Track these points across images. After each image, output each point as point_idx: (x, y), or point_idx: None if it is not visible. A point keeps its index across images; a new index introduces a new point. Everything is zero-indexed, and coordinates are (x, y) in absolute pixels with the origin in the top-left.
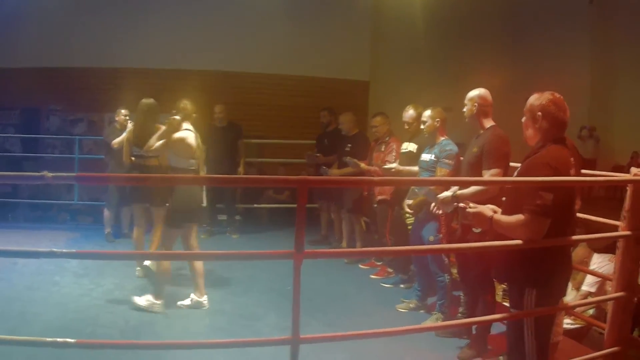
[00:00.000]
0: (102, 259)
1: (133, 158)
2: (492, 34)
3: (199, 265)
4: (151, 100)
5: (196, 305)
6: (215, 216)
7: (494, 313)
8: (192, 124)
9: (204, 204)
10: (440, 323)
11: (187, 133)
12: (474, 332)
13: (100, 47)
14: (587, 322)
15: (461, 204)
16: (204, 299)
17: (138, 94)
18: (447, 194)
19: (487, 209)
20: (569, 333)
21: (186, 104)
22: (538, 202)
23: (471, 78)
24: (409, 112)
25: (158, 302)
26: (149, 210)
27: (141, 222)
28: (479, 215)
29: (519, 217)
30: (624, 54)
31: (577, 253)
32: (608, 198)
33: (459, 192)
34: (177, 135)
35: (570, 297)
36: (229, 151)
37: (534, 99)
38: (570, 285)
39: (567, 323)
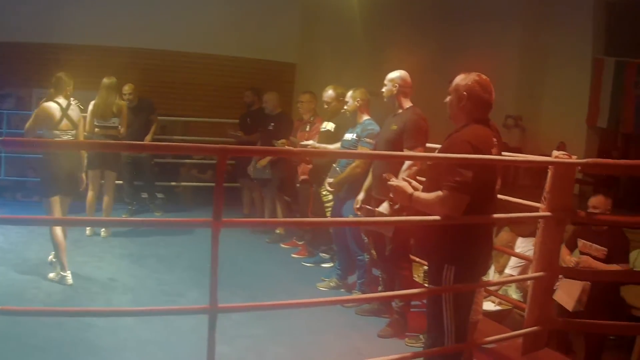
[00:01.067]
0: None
1: (97, 129)
2: (419, 16)
3: (59, 238)
4: (112, 79)
5: (61, 281)
6: (137, 194)
7: (411, 287)
8: (69, 97)
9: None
10: (356, 296)
11: (49, 104)
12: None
13: (28, 22)
14: (511, 304)
15: (384, 175)
16: (68, 274)
17: (68, 71)
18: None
19: (408, 186)
20: (490, 315)
21: (60, 76)
22: (457, 178)
23: (398, 61)
24: (329, 92)
25: (66, 274)
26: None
27: (94, 187)
28: (399, 191)
29: (437, 193)
30: (554, 44)
31: (502, 237)
32: (534, 186)
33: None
34: (40, 106)
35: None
36: (144, 129)
37: (460, 79)
38: (493, 268)
39: (491, 306)
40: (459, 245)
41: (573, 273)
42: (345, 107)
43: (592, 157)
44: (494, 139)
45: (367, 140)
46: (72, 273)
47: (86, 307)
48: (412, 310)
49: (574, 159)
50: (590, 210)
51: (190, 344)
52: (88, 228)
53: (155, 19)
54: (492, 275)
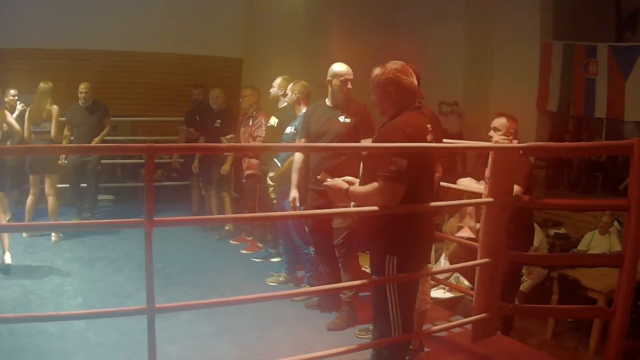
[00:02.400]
0: None
1: (33, 135)
2: (364, 6)
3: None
4: (48, 84)
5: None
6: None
7: (357, 278)
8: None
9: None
10: (303, 290)
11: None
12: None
13: None
14: (460, 291)
15: (318, 176)
16: (7, 255)
17: (15, 75)
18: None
19: (342, 182)
20: (442, 303)
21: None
22: (392, 168)
23: (345, 51)
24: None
25: (4, 254)
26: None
27: (35, 192)
28: (334, 189)
29: (373, 185)
30: (502, 30)
31: (451, 224)
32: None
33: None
34: None
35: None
36: (95, 131)
37: (379, 74)
38: (444, 255)
39: (442, 294)
40: (399, 235)
41: (519, 258)
42: (285, 100)
43: (544, 140)
44: (428, 126)
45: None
46: (23, 279)
47: (33, 313)
48: (363, 301)
49: (514, 144)
50: (491, 133)
51: (139, 346)
52: (54, 234)
53: (98, 20)
54: (442, 262)
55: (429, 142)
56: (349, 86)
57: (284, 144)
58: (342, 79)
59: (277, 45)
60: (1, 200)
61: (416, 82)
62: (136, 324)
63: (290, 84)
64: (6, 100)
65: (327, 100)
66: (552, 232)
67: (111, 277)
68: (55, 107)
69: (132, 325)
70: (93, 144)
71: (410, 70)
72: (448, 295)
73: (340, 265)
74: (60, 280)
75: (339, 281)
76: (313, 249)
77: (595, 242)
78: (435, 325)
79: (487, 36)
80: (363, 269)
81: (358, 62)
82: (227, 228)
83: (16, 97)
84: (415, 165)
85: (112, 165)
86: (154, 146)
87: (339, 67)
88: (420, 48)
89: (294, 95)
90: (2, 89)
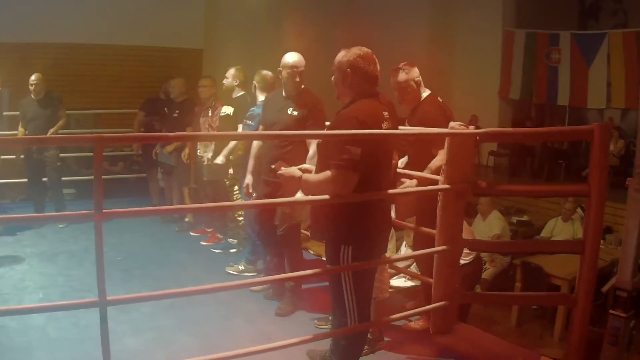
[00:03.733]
0: None
1: None
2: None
3: None
4: None
5: None
6: (44, 193)
7: (300, 268)
8: None
9: None
10: (255, 280)
11: None
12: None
13: None
14: (419, 279)
15: (273, 166)
16: None
17: None
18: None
19: (296, 170)
20: (403, 292)
21: None
22: (344, 156)
23: (306, 43)
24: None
25: None
26: None
27: None
28: (288, 177)
29: (326, 173)
30: (464, 18)
31: None
32: None
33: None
34: None
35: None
36: (49, 125)
37: (342, 56)
38: (405, 243)
39: (403, 283)
40: (354, 224)
41: (478, 245)
42: (223, 84)
43: (506, 128)
44: (385, 113)
45: (247, 121)
46: None
47: None
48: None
49: (470, 129)
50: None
51: (93, 339)
52: None
53: (57, 12)
54: (403, 250)
55: (385, 130)
56: (297, 79)
57: (236, 132)
58: (289, 70)
59: (238, 36)
60: None
61: (377, 71)
62: (96, 318)
63: (232, 70)
64: None
65: (282, 90)
66: (514, 219)
67: (72, 272)
68: None
69: (93, 319)
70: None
71: (374, 59)
72: (409, 283)
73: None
74: (21, 276)
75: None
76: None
77: (558, 229)
78: (396, 314)
79: (449, 25)
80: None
81: (319, 52)
82: (187, 220)
83: None
84: (370, 153)
85: (68, 159)
86: (102, 136)
87: (289, 58)
88: (381, 36)
89: (234, 82)
90: None
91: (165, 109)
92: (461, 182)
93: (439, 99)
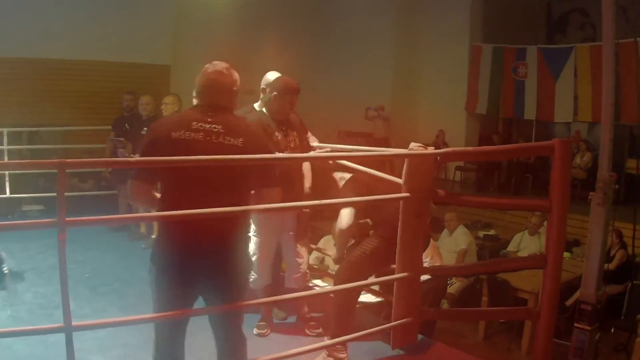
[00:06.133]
0: None
1: None
2: (292, 13)
3: None
4: None
5: None
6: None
7: None
8: None
9: None
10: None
11: None
12: None
13: None
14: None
15: None
16: None
17: None
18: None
19: None
20: (370, 307)
21: None
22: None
23: (273, 59)
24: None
25: None
26: None
27: None
28: None
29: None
30: (430, 33)
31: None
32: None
33: None
34: None
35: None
36: None
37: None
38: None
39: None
40: (157, 239)
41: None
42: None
43: (473, 143)
44: (195, 122)
45: None
46: None
47: None
48: None
49: (429, 150)
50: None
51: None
52: None
53: (25, 27)
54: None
55: (176, 139)
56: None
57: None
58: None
59: (206, 52)
60: None
61: (206, 82)
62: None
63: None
64: None
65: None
66: (481, 233)
67: (40, 289)
68: None
69: (60, 336)
70: None
71: (203, 71)
72: (377, 299)
73: None
74: None
75: None
76: None
77: (525, 243)
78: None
79: (415, 39)
80: None
81: (286, 68)
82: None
83: None
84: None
85: (35, 175)
86: (65, 162)
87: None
88: (347, 51)
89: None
90: None
91: (126, 124)
92: (421, 192)
93: None
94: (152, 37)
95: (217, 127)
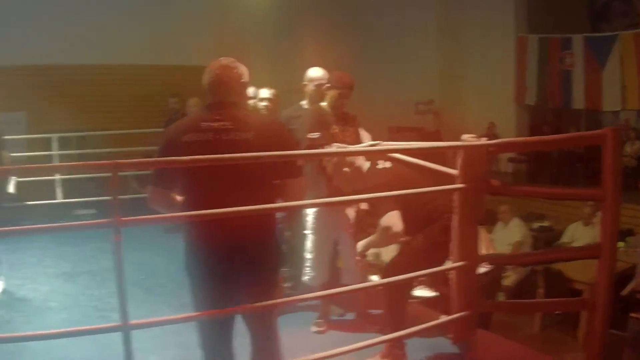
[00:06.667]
0: None
1: None
2: (341, 11)
3: None
4: None
5: None
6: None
7: None
8: None
9: None
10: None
11: None
12: None
13: None
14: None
15: None
16: None
17: None
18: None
19: None
20: (427, 302)
21: None
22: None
23: (317, 55)
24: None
25: None
26: None
27: None
28: None
29: None
30: (475, 25)
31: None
32: None
33: None
34: None
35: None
36: None
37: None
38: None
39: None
40: (186, 247)
41: (495, 259)
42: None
43: (524, 134)
44: (204, 123)
45: None
46: (7, 296)
47: (16, 333)
48: None
49: (483, 141)
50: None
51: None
52: None
53: (70, 34)
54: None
55: (191, 141)
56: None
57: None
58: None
59: (248, 52)
60: None
61: (210, 81)
62: (119, 337)
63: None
64: None
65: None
66: (535, 225)
67: (94, 291)
68: None
69: (117, 338)
70: None
71: (210, 67)
72: (433, 293)
73: None
74: (45, 297)
75: None
76: None
77: (579, 234)
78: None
79: (460, 33)
80: None
81: (332, 66)
82: None
83: None
84: (167, 167)
85: (86, 180)
86: (118, 163)
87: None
88: (394, 47)
89: None
90: None
91: None
92: (477, 181)
93: None
94: (194, 39)
95: (225, 124)
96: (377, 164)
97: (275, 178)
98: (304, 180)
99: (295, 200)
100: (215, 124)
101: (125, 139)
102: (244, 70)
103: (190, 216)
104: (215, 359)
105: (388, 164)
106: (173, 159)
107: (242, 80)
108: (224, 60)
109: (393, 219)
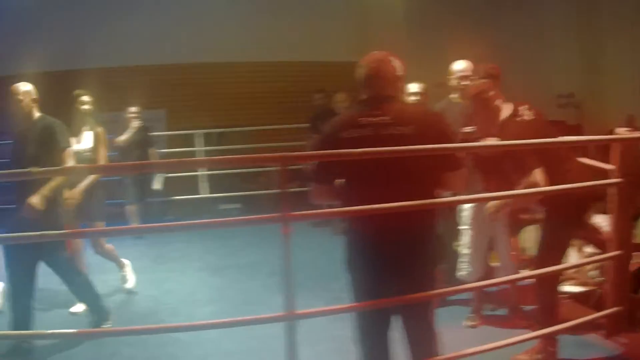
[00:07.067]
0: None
1: None
2: (479, 6)
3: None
4: None
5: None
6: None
7: None
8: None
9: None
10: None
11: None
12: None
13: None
14: (590, 285)
15: None
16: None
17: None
18: None
19: None
20: (575, 297)
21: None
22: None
23: (459, 53)
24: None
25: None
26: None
27: None
28: None
29: None
30: (613, 15)
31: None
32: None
33: None
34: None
35: (573, 258)
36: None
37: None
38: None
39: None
40: (346, 241)
41: None
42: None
43: None
44: (362, 118)
45: None
46: (153, 290)
47: (167, 324)
48: None
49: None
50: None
51: (274, 352)
52: None
53: (210, 34)
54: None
55: (346, 138)
56: (464, 82)
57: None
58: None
59: (391, 47)
60: (136, 212)
61: (366, 73)
62: (270, 330)
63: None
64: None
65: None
66: None
67: (242, 285)
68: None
69: (266, 330)
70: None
71: (365, 61)
72: (583, 288)
73: None
74: (191, 290)
75: None
76: None
77: None
78: (569, 320)
79: (600, 25)
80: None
81: (475, 60)
82: None
83: (134, 115)
84: (327, 165)
85: (229, 175)
86: (286, 156)
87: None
88: (534, 41)
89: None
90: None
91: (319, 122)
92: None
93: None
94: (335, 35)
95: (385, 118)
96: (518, 114)
97: (435, 171)
98: (465, 172)
99: (456, 193)
100: (374, 119)
101: (262, 135)
102: (398, 63)
103: (355, 211)
104: (372, 352)
105: (528, 116)
106: (341, 151)
107: (398, 73)
108: (379, 54)
109: (539, 176)
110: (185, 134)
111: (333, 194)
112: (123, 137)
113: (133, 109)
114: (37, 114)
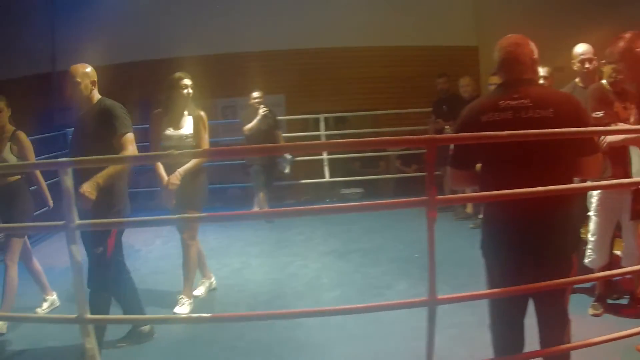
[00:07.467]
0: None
1: None
2: None
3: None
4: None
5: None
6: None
7: None
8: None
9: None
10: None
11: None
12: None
13: (208, 37)
14: None
15: None
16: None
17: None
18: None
19: None
20: None
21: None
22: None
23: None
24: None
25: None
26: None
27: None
28: None
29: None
30: None
31: None
32: None
33: None
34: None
35: None
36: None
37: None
38: None
39: None
40: (483, 230)
41: None
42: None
43: None
44: (502, 102)
45: None
46: (277, 273)
47: (293, 309)
48: None
49: None
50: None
51: (401, 337)
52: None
53: (332, 20)
54: None
55: (493, 120)
56: (587, 65)
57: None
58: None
59: (510, 30)
60: (264, 199)
61: (506, 57)
62: (393, 314)
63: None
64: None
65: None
66: None
67: (367, 269)
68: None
69: (389, 315)
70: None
71: (502, 44)
72: None
73: None
74: (316, 274)
75: None
76: None
77: None
78: None
79: None
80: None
81: (595, 43)
82: (480, 217)
83: (257, 100)
84: (470, 149)
85: (351, 160)
86: (435, 137)
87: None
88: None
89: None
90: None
91: (444, 106)
92: None
93: None
94: (455, 19)
95: (524, 102)
96: None
97: (573, 155)
98: (600, 157)
99: (593, 178)
100: (514, 102)
101: (385, 120)
102: (534, 46)
103: (498, 195)
104: (506, 337)
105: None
106: (487, 133)
107: (535, 56)
108: (515, 37)
109: None
110: (304, 119)
111: (472, 179)
112: (250, 125)
113: (256, 94)
114: (97, 97)
